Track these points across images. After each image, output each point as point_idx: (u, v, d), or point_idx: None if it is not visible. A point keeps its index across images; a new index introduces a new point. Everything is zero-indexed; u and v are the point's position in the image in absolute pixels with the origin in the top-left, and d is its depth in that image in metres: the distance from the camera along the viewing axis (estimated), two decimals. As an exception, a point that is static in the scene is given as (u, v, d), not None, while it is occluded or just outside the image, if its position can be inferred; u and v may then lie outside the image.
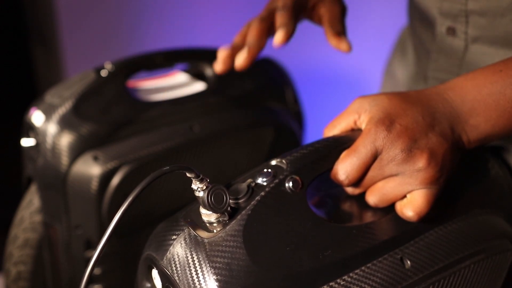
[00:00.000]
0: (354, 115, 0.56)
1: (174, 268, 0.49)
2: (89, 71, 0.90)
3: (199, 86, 0.98)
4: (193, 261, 0.48)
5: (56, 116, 0.84)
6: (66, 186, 0.84)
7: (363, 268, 0.50)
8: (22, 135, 0.89)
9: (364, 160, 0.53)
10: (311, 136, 1.02)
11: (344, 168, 0.54)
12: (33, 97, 1.08)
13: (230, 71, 0.80)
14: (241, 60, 0.76)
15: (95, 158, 0.83)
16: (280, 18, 0.76)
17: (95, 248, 0.86)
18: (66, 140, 0.83)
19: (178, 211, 0.53)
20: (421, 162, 0.52)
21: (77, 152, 0.83)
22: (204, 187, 0.49)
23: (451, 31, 0.74)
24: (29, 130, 0.88)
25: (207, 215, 0.50)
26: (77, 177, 0.83)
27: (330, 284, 0.49)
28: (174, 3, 1.81)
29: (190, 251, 0.48)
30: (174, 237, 0.50)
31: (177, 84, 1.00)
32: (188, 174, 0.49)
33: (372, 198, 0.55)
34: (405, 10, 0.91)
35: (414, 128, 0.53)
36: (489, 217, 0.58)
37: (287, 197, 0.51)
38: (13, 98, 1.79)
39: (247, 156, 0.93)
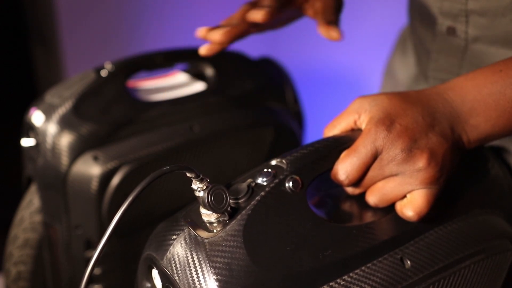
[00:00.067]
0: (354, 115, 0.56)
1: (174, 268, 0.49)
2: (89, 71, 0.90)
3: (199, 86, 0.98)
4: (193, 261, 0.48)
5: (56, 116, 0.84)
6: (66, 186, 0.84)
7: (363, 268, 0.50)
8: (22, 135, 0.89)
9: (364, 160, 0.53)
10: (311, 136, 1.02)
11: (344, 168, 0.54)
12: (33, 97, 1.08)
13: (230, 71, 0.80)
14: (217, 35, 0.73)
15: (95, 158, 0.83)
16: (264, 1, 0.75)
17: (95, 248, 0.86)
18: (66, 140, 0.83)
19: (178, 211, 0.53)
20: (421, 162, 0.52)
21: (77, 152, 0.83)
22: (204, 187, 0.49)
23: (451, 30, 0.74)
24: (29, 130, 0.88)
25: (207, 215, 0.50)
26: (77, 177, 0.83)
27: (330, 284, 0.49)
28: (174, 3, 1.81)
29: (190, 251, 0.48)
30: (174, 237, 0.50)
31: (177, 84, 1.00)
32: (188, 174, 0.49)
33: (372, 198, 0.55)
34: (405, 10, 0.91)
35: (414, 128, 0.53)
36: (489, 217, 0.58)
37: (287, 197, 0.51)
38: (13, 98, 1.79)
39: (247, 156, 0.93)
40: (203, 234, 0.49)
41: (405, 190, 0.54)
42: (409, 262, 0.52)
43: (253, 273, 0.47)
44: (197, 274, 0.47)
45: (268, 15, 0.71)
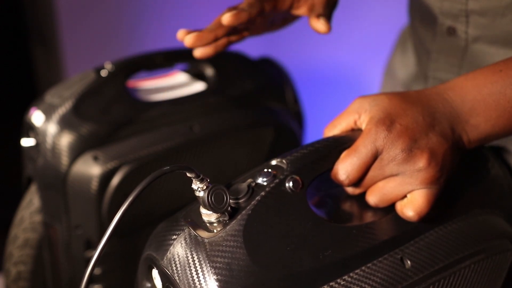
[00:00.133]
0: (354, 115, 0.56)
1: (174, 268, 0.49)
2: (89, 71, 0.90)
3: (199, 86, 0.98)
4: (194, 261, 0.48)
5: (56, 116, 0.84)
6: (66, 186, 0.84)
7: (363, 268, 0.50)
8: (22, 135, 0.89)
9: (364, 160, 0.53)
10: (311, 136, 1.03)
11: (345, 168, 0.54)
12: (33, 97, 1.08)
13: (230, 71, 0.80)
14: (188, 39, 0.72)
15: (95, 158, 0.83)
16: (242, 4, 0.74)
17: (95, 248, 0.86)
18: (66, 140, 0.83)
19: (178, 211, 0.53)
20: (421, 162, 0.52)
21: (77, 152, 0.83)
22: (205, 187, 0.49)
23: (452, 30, 0.74)
24: (29, 130, 0.88)
25: (207, 215, 0.50)
26: (77, 177, 0.83)
27: (330, 284, 0.49)
28: (174, 3, 1.81)
29: (191, 251, 0.48)
30: (174, 237, 0.50)
31: (177, 84, 1.00)
32: (188, 174, 0.49)
33: (372, 198, 0.55)
34: (405, 10, 0.91)
35: (414, 128, 0.53)
36: (489, 217, 0.58)
37: (287, 197, 0.51)
38: (13, 98, 1.79)
39: (247, 156, 0.93)
40: (203, 234, 0.49)
41: (406, 190, 0.54)
42: (409, 262, 0.52)
43: (253, 273, 0.47)
44: (197, 274, 0.47)
45: (235, 18, 0.70)
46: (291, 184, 0.51)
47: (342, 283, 0.49)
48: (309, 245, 0.50)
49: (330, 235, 0.51)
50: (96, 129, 0.84)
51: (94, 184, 0.82)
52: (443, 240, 0.54)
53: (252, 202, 0.50)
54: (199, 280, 0.47)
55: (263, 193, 0.50)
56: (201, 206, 0.50)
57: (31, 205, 0.93)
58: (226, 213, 0.50)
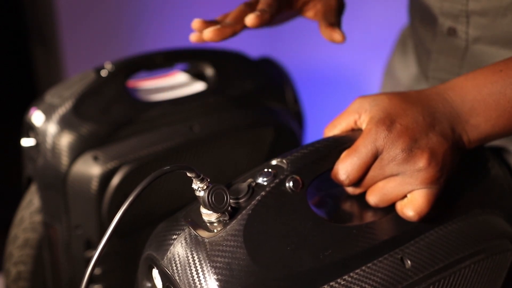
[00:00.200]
0: (355, 115, 0.56)
1: (174, 268, 0.49)
2: (89, 71, 0.90)
3: (199, 86, 0.98)
4: (194, 260, 0.48)
5: (56, 116, 0.84)
6: (66, 186, 0.84)
7: (363, 268, 0.50)
8: (22, 135, 0.89)
9: (364, 160, 0.53)
10: (311, 136, 1.03)
11: (345, 168, 0.54)
12: (33, 97, 1.08)
13: (230, 71, 0.80)
14: (209, 32, 0.71)
15: (95, 158, 0.83)
16: (261, 4, 0.74)
17: (95, 248, 0.86)
18: (66, 140, 0.83)
19: (179, 211, 0.53)
20: (421, 162, 0.52)
21: (77, 152, 0.83)
22: (205, 187, 0.49)
23: (452, 31, 0.74)
24: (29, 130, 0.88)
25: (208, 215, 0.50)
26: (77, 177, 0.83)
27: (331, 284, 0.49)
28: (174, 3, 1.81)
29: (191, 251, 0.48)
30: (174, 236, 0.50)
31: (177, 84, 1.00)
32: (188, 174, 0.49)
33: (372, 198, 0.55)
34: (405, 10, 0.92)
35: (414, 128, 0.53)
36: (489, 217, 0.59)
37: (287, 197, 0.51)
38: (13, 98, 1.79)
39: (247, 156, 0.93)
40: (203, 234, 0.49)
41: (406, 190, 0.54)
42: (409, 262, 0.52)
43: (254, 272, 0.47)
44: (197, 273, 0.47)
45: (259, 20, 0.70)
46: (291, 184, 0.51)
47: (342, 283, 0.49)
48: (309, 245, 0.50)
49: (330, 235, 0.51)
50: (96, 129, 0.84)
51: (94, 184, 0.82)
52: (443, 240, 0.54)
53: (253, 202, 0.50)
54: (199, 280, 0.47)
55: (263, 193, 0.50)
56: (201, 206, 0.50)
57: (31, 205, 0.93)
58: (226, 213, 0.50)
